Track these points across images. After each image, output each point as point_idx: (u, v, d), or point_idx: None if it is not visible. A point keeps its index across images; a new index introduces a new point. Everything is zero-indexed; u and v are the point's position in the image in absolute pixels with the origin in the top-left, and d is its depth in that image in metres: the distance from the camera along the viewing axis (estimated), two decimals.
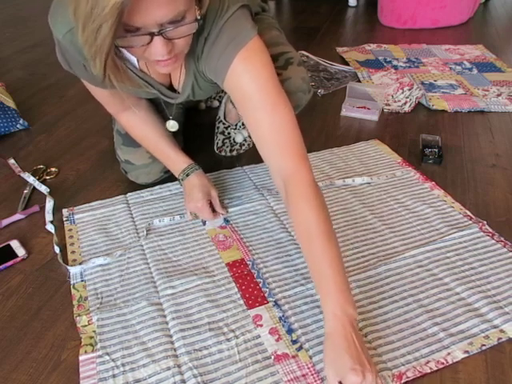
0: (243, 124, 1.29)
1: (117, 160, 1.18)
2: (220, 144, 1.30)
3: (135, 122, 1.04)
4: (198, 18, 0.68)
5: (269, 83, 0.79)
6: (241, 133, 1.29)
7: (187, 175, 1.03)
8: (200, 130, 1.40)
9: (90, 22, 0.59)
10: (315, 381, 0.71)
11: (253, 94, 0.78)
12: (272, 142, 0.79)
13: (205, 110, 1.53)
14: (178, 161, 1.05)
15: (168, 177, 1.15)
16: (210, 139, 1.32)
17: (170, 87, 0.95)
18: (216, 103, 1.52)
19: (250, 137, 1.31)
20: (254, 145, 1.32)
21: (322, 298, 0.72)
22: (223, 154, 1.30)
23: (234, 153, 1.30)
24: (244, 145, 1.30)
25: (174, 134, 1.10)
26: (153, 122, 1.05)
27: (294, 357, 0.75)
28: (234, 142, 1.30)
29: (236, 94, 0.81)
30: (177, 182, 1.12)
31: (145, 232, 1.02)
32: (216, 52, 0.79)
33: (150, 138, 1.05)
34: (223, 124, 1.28)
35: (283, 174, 0.79)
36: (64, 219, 1.07)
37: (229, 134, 1.29)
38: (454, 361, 0.74)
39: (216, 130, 1.31)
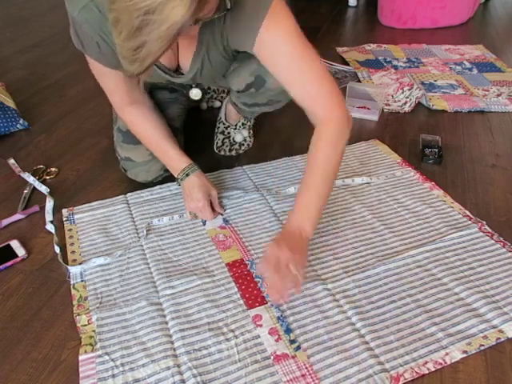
0: (243, 124, 1.30)
1: (117, 159, 1.18)
2: (220, 143, 1.30)
3: (138, 118, 1.04)
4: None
5: (299, 39, 0.83)
6: (240, 132, 1.30)
7: (187, 175, 1.03)
8: (200, 130, 1.40)
9: (139, 34, 0.57)
10: (313, 381, 0.71)
11: (286, 51, 0.82)
12: (307, 95, 0.86)
13: (206, 110, 1.53)
14: (178, 160, 1.05)
15: (168, 176, 1.15)
16: (210, 139, 1.32)
17: (177, 72, 0.97)
18: (217, 103, 1.52)
19: (249, 137, 1.32)
20: (253, 145, 1.33)
21: (290, 212, 0.87)
22: (222, 153, 1.30)
23: (233, 152, 1.30)
24: (243, 145, 1.31)
25: (175, 134, 1.10)
26: (156, 120, 1.05)
27: (293, 357, 0.75)
28: (234, 141, 1.30)
29: (266, 53, 0.84)
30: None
31: (145, 232, 1.02)
32: (241, 18, 0.80)
33: (151, 136, 1.05)
34: (223, 124, 1.28)
35: (317, 119, 0.87)
36: (64, 219, 1.07)
37: (229, 133, 1.29)
38: (453, 361, 0.74)
39: (216, 130, 1.31)
